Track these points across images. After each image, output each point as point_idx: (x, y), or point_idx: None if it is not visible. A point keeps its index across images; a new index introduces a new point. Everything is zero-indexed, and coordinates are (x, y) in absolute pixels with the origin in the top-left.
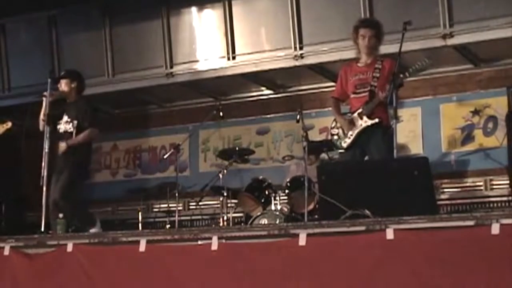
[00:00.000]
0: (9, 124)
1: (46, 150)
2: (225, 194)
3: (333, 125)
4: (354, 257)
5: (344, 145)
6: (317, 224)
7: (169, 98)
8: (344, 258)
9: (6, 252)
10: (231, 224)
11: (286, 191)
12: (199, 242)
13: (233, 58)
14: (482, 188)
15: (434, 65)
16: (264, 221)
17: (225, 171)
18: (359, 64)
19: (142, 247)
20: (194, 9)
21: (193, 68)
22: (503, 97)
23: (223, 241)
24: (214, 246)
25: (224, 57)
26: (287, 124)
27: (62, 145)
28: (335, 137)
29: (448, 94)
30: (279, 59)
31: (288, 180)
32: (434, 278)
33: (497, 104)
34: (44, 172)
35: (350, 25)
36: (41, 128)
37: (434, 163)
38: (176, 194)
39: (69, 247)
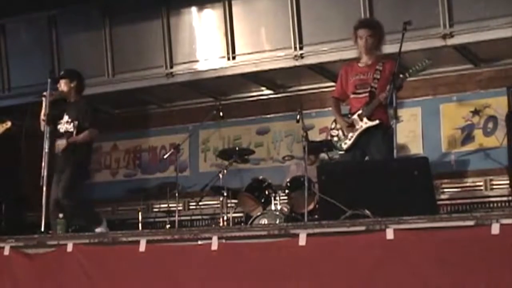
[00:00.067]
0: (9, 123)
1: (46, 150)
2: (225, 194)
3: (332, 126)
4: (354, 257)
5: (344, 146)
6: (317, 224)
7: (169, 98)
8: (344, 258)
9: (6, 252)
10: (231, 224)
11: (286, 191)
12: (199, 242)
13: (233, 58)
14: (482, 188)
15: (434, 65)
16: (264, 221)
17: (225, 171)
18: (360, 64)
19: (142, 247)
20: (194, 9)
21: (193, 68)
22: (503, 97)
23: (223, 241)
24: (214, 246)
25: (224, 57)
26: (287, 124)
27: (61, 143)
28: (335, 138)
29: (448, 94)
30: (279, 59)
31: (288, 180)
32: (434, 278)
33: (497, 104)
34: (44, 172)
35: (350, 25)
36: (42, 128)
37: (434, 163)
38: (176, 194)
39: (69, 247)
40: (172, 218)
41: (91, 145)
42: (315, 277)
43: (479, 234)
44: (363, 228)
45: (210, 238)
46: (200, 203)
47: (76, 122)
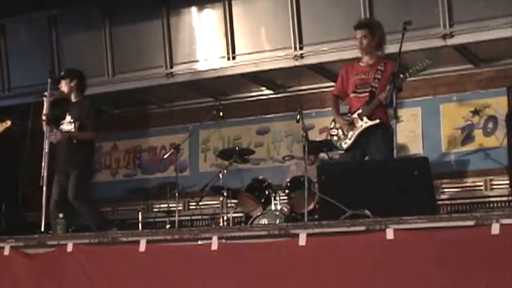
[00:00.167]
0: (9, 123)
1: (46, 150)
2: (225, 194)
3: (332, 126)
4: (354, 257)
5: (344, 146)
6: (317, 224)
7: (169, 98)
8: (344, 258)
9: (6, 252)
10: (231, 224)
11: (286, 191)
12: (199, 242)
13: (233, 58)
14: (482, 188)
15: (434, 65)
16: (264, 221)
17: (225, 171)
18: (361, 64)
19: (142, 247)
20: (194, 9)
21: (193, 68)
22: (503, 97)
23: (223, 241)
24: (214, 246)
25: (224, 57)
26: (287, 124)
27: (56, 134)
28: (335, 137)
29: (448, 94)
30: (279, 59)
31: (288, 180)
32: (434, 278)
33: (497, 104)
34: (44, 172)
35: (350, 25)
36: (44, 128)
37: (434, 163)
38: (176, 194)
39: (69, 247)
40: (172, 218)
41: (94, 145)
42: (315, 277)
43: (479, 234)
44: (363, 228)
45: (210, 238)
46: (200, 203)
47: (78, 123)
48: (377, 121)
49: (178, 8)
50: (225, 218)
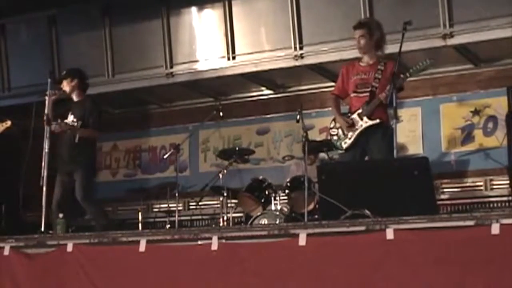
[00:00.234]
0: (9, 123)
1: (46, 150)
2: (225, 194)
3: (332, 125)
4: (354, 257)
5: (344, 145)
6: (317, 224)
7: (169, 98)
8: (344, 258)
9: (6, 252)
10: (231, 224)
11: (286, 191)
12: (199, 242)
13: (233, 58)
14: (482, 188)
15: (434, 65)
16: (264, 221)
17: (225, 171)
18: (361, 64)
19: (142, 247)
20: (194, 9)
21: (193, 68)
22: (503, 97)
23: (223, 241)
24: (214, 246)
25: (224, 57)
26: (287, 124)
27: (59, 124)
28: (335, 137)
29: (448, 94)
30: (279, 59)
31: (288, 180)
32: (434, 278)
33: (497, 104)
34: (44, 172)
35: (350, 25)
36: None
37: (434, 163)
38: (176, 194)
39: (69, 247)
40: (172, 218)
41: (96, 144)
42: (315, 277)
43: (479, 234)
44: (363, 228)
45: (210, 238)
46: (200, 203)
47: (81, 122)
48: (377, 120)
49: (178, 8)
50: (225, 218)
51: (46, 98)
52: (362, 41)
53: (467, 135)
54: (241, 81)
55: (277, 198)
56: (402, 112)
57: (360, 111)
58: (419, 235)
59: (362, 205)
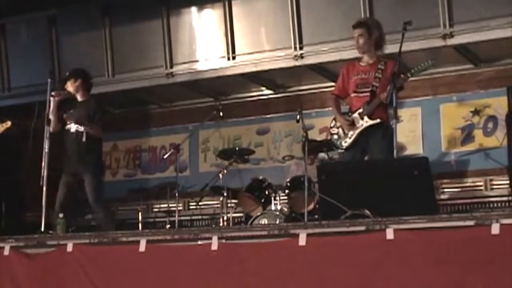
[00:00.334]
0: (9, 123)
1: (46, 150)
2: (225, 194)
3: (332, 125)
4: (354, 257)
5: (345, 145)
6: (317, 224)
7: (169, 98)
8: (344, 258)
9: (6, 252)
10: (231, 224)
11: (286, 191)
12: (199, 242)
13: (233, 58)
14: (482, 188)
15: (434, 65)
16: (264, 221)
17: (225, 171)
18: (361, 63)
19: (142, 247)
20: (194, 9)
21: (193, 68)
22: (503, 97)
23: (223, 241)
24: (214, 246)
25: (224, 57)
26: (287, 124)
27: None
28: (335, 136)
29: (448, 94)
30: (279, 59)
31: (288, 180)
32: (434, 278)
33: (497, 104)
34: (44, 172)
35: (350, 25)
36: (51, 129)
37: (434, 163)
38: (176, 194)
39: (69, 247)
40: (172, 218)
41: (101, 144)
42: (315, 277)
43: (479, 234)
44: (363, 228)
45: (210, 238)
46: (200, 203)
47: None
48: (378, 120)
49: (178, 8)
50: (225, 218)
51: (51, 98)
52: (361, 40)
53: (467, 135)
54: (241, 81)
55: (277, 198)
56: (402, 112)
57: (361, 110)
58: (419, 235)
59: (362, 205)
